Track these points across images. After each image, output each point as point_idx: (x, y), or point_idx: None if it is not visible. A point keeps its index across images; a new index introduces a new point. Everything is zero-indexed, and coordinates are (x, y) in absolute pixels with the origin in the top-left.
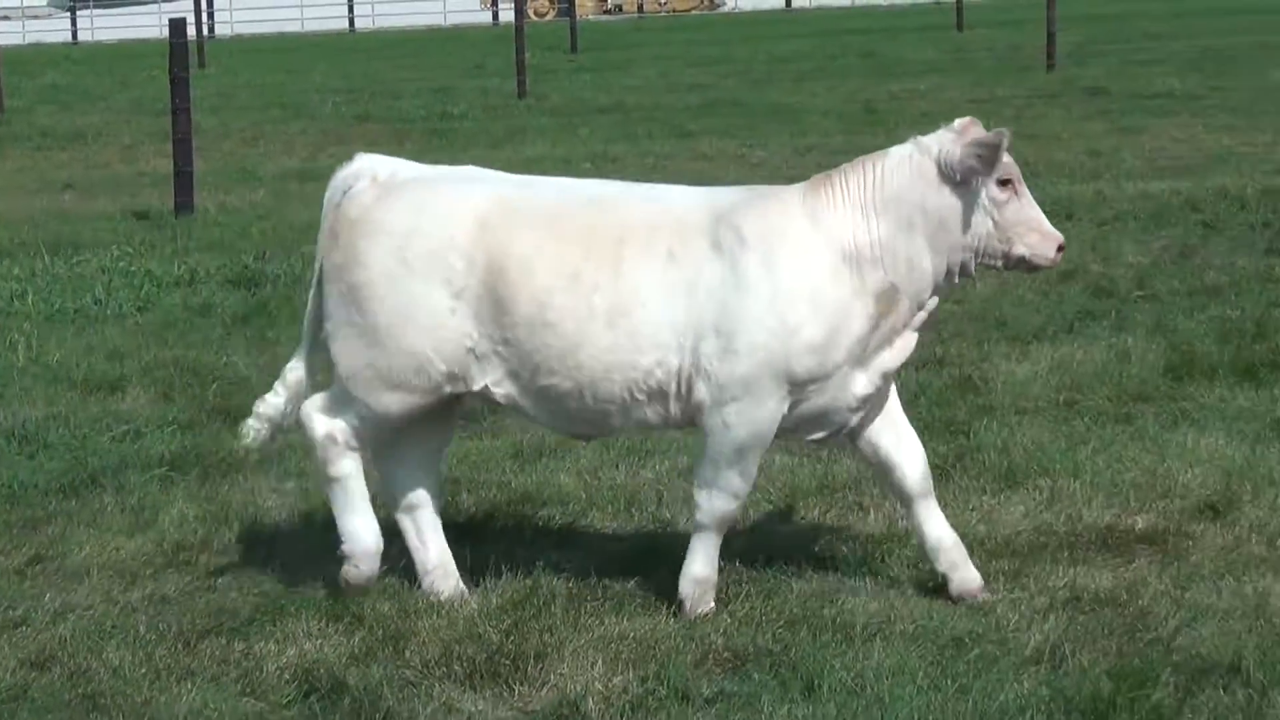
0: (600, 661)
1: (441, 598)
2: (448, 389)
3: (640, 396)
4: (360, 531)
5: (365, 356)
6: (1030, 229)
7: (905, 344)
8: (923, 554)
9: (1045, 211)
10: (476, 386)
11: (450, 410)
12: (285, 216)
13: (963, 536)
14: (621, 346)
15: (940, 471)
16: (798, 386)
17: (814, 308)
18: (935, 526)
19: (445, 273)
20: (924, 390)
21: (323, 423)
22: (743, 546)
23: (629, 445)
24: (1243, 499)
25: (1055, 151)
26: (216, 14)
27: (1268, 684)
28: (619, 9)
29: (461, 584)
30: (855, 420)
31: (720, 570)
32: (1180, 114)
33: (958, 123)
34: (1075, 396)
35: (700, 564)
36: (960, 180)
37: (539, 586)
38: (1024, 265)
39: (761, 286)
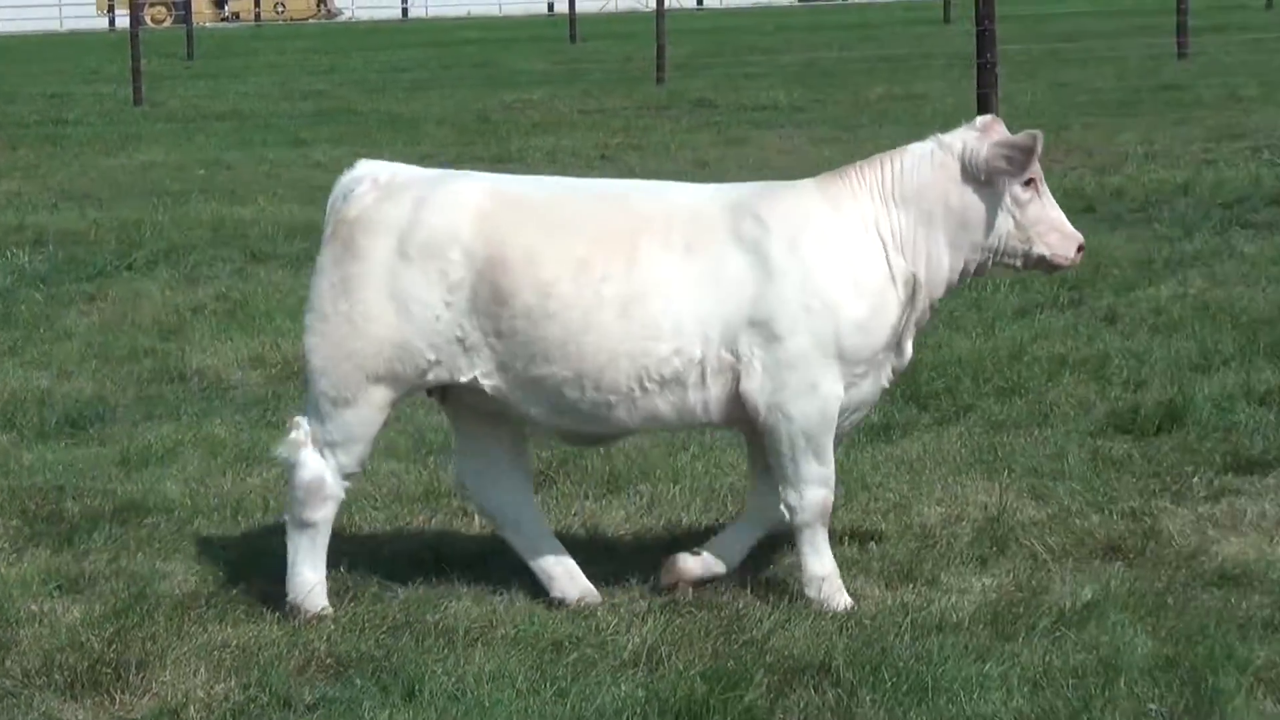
0: (203, 669)
1: (571, 601)
2: (430, 378)
3: (650, 386)
4: (312, 583)
5: (349, 346)
6: (1051, 228)
7: (910, 345)
8: (704, 550)
9: None
10: (464, 378)
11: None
12: None
13: (565, 541)
14: (633, 335)
15: (544, 477)
16: (848, 365)
17: (853, 285)
18: (738, 549)
19: (442, 265)
20: None
21: (313, 465)
22: (348, 551)
23: (238, 453)
24: (836, 503)
25: (664, 162)
26: None
27: (857, 683)
28: (236, 16)
29: (588, 586)
30: (861, 419)
31: (326, 576)
32: (784, 126)
33: (979, 121)
34: None
35: (817, 561)
36: (985, 180)
37: (143, 595)
38: (1043, 265)
39: (792, 269)
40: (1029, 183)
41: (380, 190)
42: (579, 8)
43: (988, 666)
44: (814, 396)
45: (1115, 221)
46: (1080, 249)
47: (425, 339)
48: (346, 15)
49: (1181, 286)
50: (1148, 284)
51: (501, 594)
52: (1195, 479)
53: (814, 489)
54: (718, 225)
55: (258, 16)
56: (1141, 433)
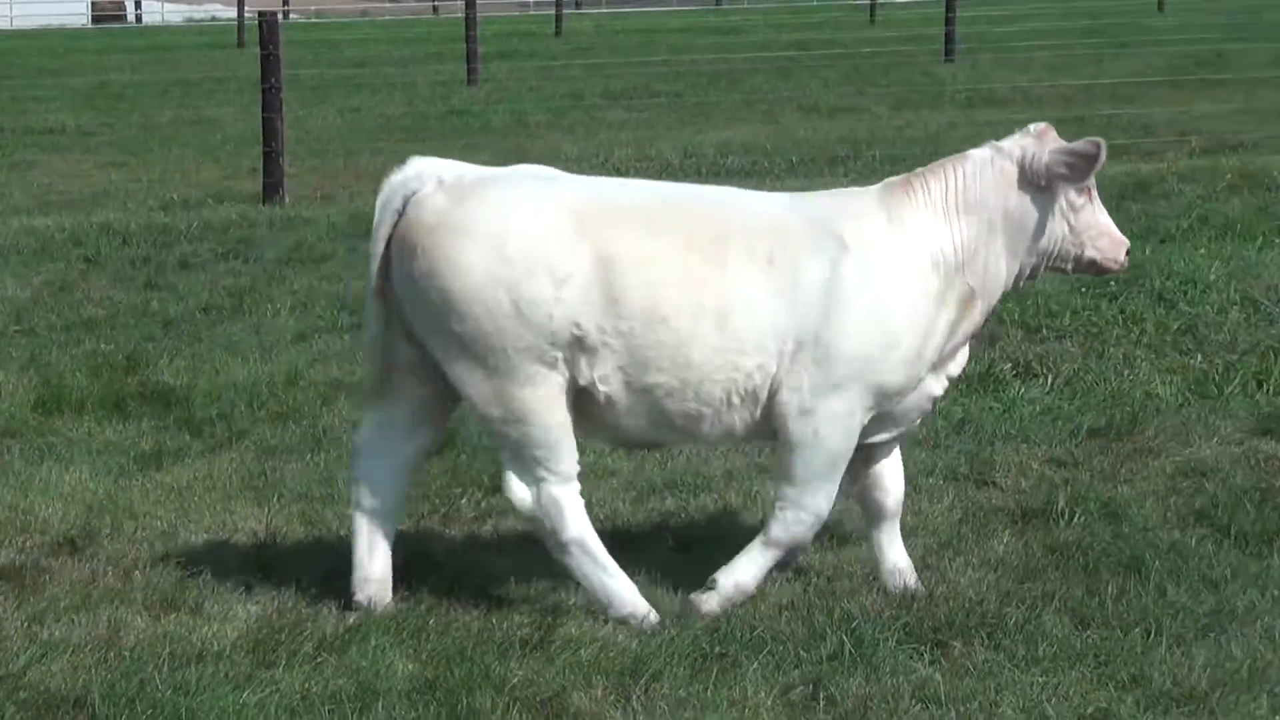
0: None
1: (376, 612)
2: (569, 374)
3: (736, 400)
4: (623, 591)
5: (483, 363)
6: (1101, 233)
7: (966, 349)
8: (878, 573)
9: None
10: (583, 381)
11: (441, 421)
12: None
13: None
14: (728, 347)
15: None
16: (884, 399)
17: (910, 321)
18: (895, 551)
19: (547, 261)
20: None
21: (527, 492)
22: None
23: None
24: (102, 533)
25: None
26: None
27: (112, 717)
28: None
29: (391, 602)
30: (919, 421)
31: None
32: (72, 150)
33: (1033, 127)
34: None
35: (751, 575)
36: (1044, 185)
37: None
38: (1093, 268)
39: (863, 295)
40: (1082, 189)
41: (451, 192)
42: None
43: (245, 695)
44: (846, 424)
45: None
46: (1128, 253)
47: (545, 339)
48: None
49: None
50: None
51: None
52: (464, 501)
53: (805, 518)
54: (800, 239)
55: None
56: None
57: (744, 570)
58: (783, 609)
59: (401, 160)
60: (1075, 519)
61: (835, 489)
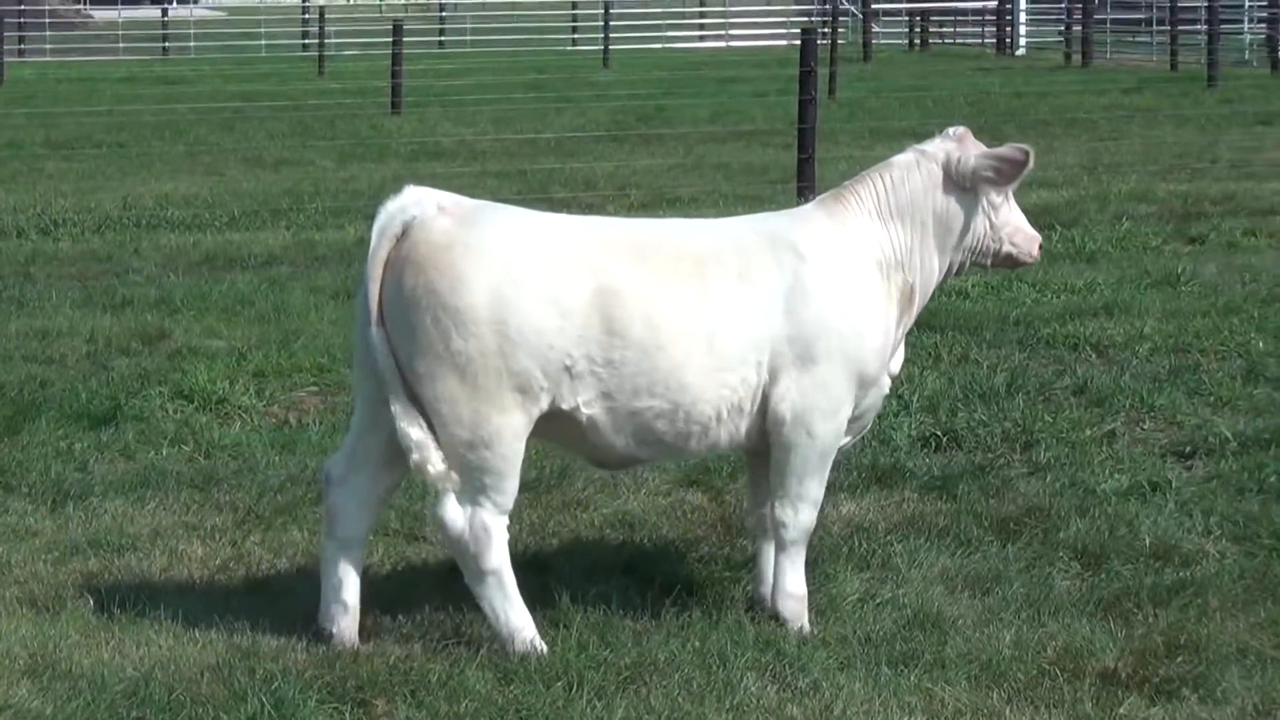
0: None
1: (340, 638)
2: (545, 406)
3: (725, 415)
4: (524, 626)
5: (471, 385)
6: (1017, 229)
7: (903, 348)
8: (758, 593)
9: None
10: (566, 405)
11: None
12: None
13: None
14: (718, 367)
15: None
16: (863, 389)
17: (870, 312)
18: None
19: (553, 291)
20: None
21: (460, 514)
22: None
23: None
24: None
25: None
26: None
27: None
28: None
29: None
30: (870, 424)
31: None
32: None
33: (953, 130)
34: None
35: (797, 580)
36: (969, 187)
37: None
38: (1010, 262)
39: (827, 295)
40: (1002, 189)
41: (454, 216)
42: None
43: None
44: (835, 418)
45: None
46: (1040, 247)
47: (540, 366)
48: None
49: None
50: None
51: None
52: None
53: (809, 509)
54: (762, 255)
55: None
56: None
57: (790, 580)
58: (204, 671)
59: None
60: None
61: (827, 474)
